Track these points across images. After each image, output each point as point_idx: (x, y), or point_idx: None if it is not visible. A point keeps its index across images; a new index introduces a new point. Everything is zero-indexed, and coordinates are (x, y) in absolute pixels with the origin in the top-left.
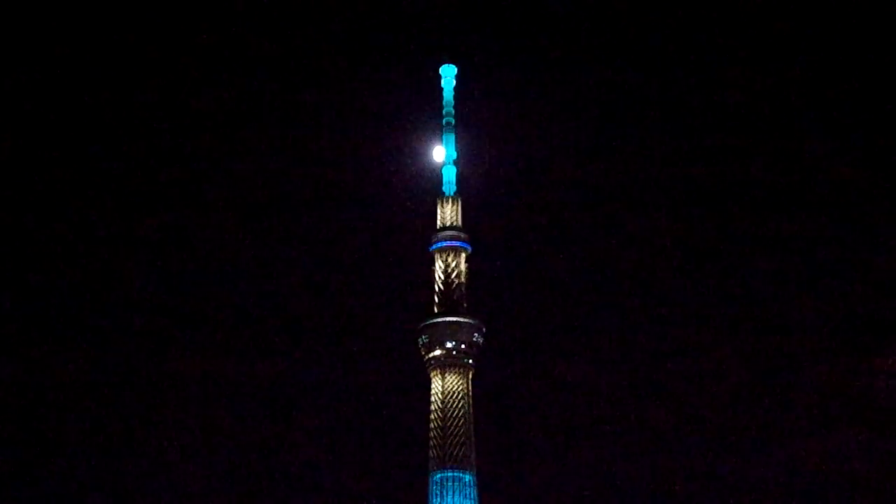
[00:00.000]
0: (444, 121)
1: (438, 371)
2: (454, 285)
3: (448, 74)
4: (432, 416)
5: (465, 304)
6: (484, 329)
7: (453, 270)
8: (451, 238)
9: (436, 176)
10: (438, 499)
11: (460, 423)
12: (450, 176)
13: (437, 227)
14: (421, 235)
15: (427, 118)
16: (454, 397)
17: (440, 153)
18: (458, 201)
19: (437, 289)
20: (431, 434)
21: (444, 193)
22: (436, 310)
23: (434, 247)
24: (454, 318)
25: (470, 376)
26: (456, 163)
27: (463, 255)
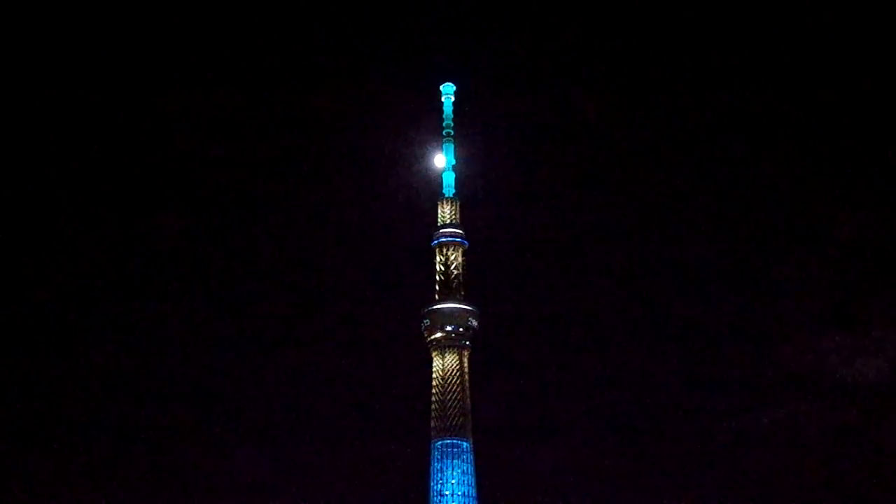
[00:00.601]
0: (444, 132)
1: (439, 351)
2: (453, 276)
3: (448, 92)
4: (433, 391)
5: (462, 293)
6: (479, 314)
7: (452, 263)
8: (450, 234)
9: (436, 180)
10: (439, 463)
11: (458, 398)
12: (449, 180)
13: (438, 224)
14: (423, 232)
15: (429, 130)
16: (453, 374)
17: (441, 160)
18: (456, 202)
19: (437, 279)
20: (433, 407)
21: (443, 195)
22: (436, 297)
23: (435, 242)
24: (453, 305)
25: (466, 356)
26: (454, 168)
27: (460, 249)
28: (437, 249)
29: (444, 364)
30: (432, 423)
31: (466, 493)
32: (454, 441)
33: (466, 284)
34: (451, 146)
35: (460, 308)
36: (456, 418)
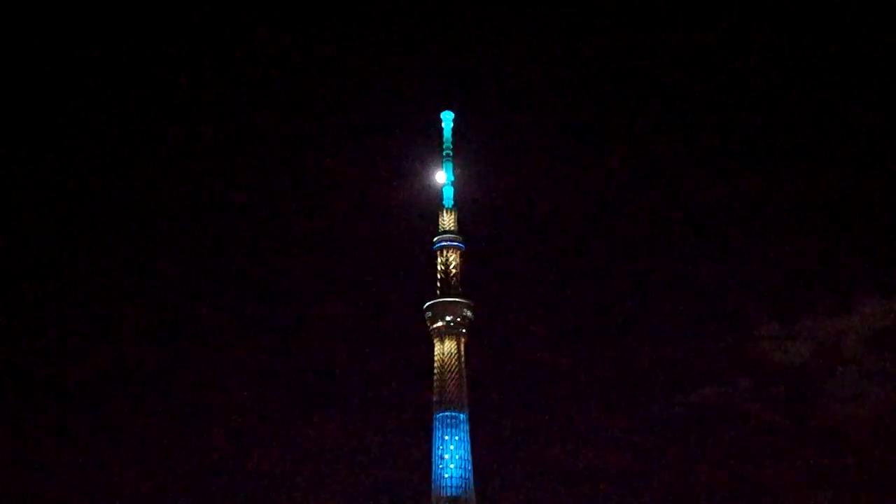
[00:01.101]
0: (444, 153)
1: (439, 338)
2: (451, 275)
3: (447, 118)
4: (435, 372)
5: (459, 289)
6: (473, 307)
7: (451, 263)
8: (449, 240)
9: (437, 193)
10: (440, 432)
11: (455, 377)
12: (448, 193)
13: (439, 231)
14: (426, 237)
15: (431, 150)
16: (451, 358)
17: (441, 176)
18: (454, 212)
19: (438, 277)
20: (434, 384)
21: (444, 206)
22: (438, 293)
23: (436, 246)
24: (451, 299)
25: (463, 342)
26: (453, 184)
27: (458, 252)
28: (438, 252)
29: (443, 349)
30: (434, 399)
31: (462, 457)
32: (452, 413)
33: (463, 282)
34: (450, 164)
35: (458, 302)
36: (454, 394)
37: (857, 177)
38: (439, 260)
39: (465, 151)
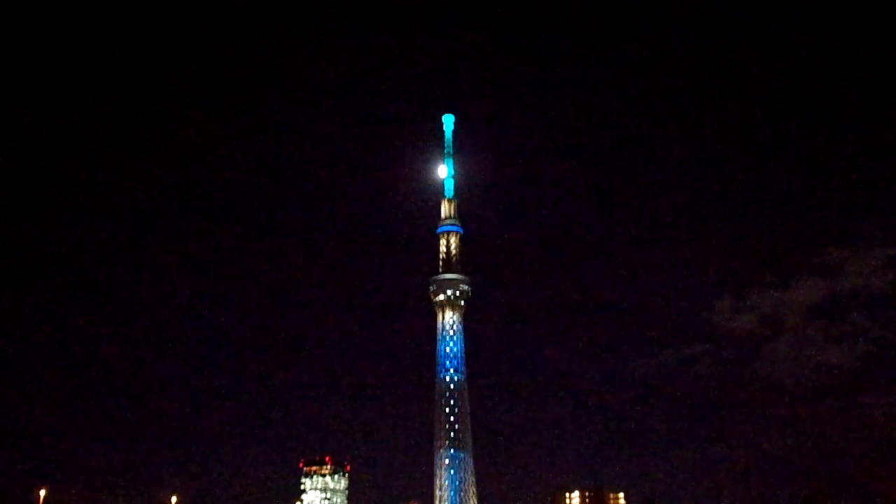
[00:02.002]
0: (445, 150)
1: (441, 309)
2: (452, 255)
3: (448, 121)
4: (438, 337)
5: (459, 266)
6: (471, 282)
7: (451, 245)
8: (450, 225)
9: (440, 185)
10: (442, 387)
11: (456, 340)
12: (449, 185)
13: (441, 217)
14: (430, 223)
15: (434, 147)
16: (452, 325)
17: (443, 170)
18: (454, 201)
19: (441, 257)
20: (438, 347)
21: (445, 196)
22: (440, 270)
23: (439, 230)
24: (452, 275)
25: (462, 312)
26: (453, 177)
27: (458, 235)
28: (440, 236)
29: (445, 318)
30: (437, 360)
31: (463, 420)
32: (453, 375)
33: (462, 261)
34: (451, 160)
35: (457, 278)
36: (454, 356)
37: (799, 174)
38: (442, 242)
39: (465, 149)
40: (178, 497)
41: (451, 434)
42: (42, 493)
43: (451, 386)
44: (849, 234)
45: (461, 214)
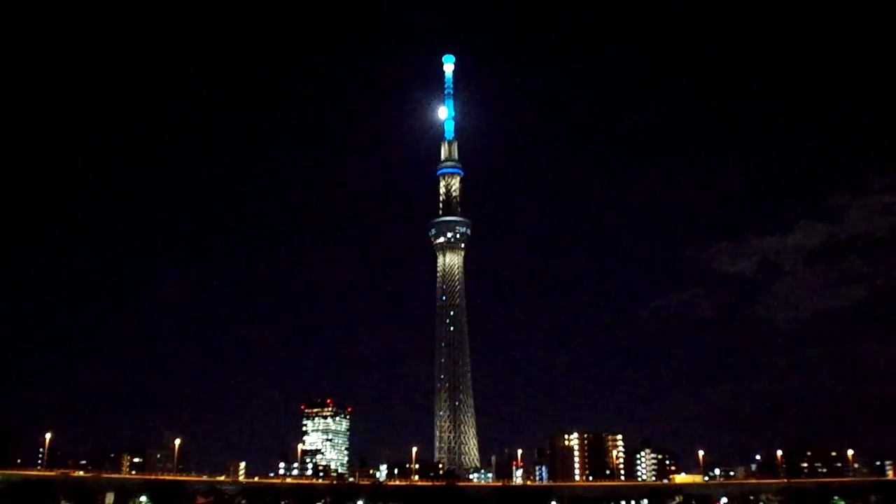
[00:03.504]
0: (445, 91)
1: (442, 251)
2: (452, 197)
3: (448, 61)
4: (438, 279)
5: (459, 209)
6: (471, 225)
7: (452, 187)
8: (450, 167)
9: (440, 126)
10: (442, 329)
11: (457, 283)
12: (449, 127)
13: (441, 159)
14: (431, 165)
15: (435, 88)
16: (452, 268)
17: (443, 112)
18: (454, 143)
19: (441, 199)
20: (438, 288)
21: (446, 138)
22: (440, 212)
23: (439, 172)
24: (452, 218)
25: (462, 255)
26: (454, 118)
27: (458, 177)
28: (440, 178)
29: (445, 261)
30: (437, 302)
31: (462, 351)
32: (452, 311)
33: (462, 203)
34: (451, 101)
35: (457, 220)
36: (456, 296)
37: (801, 120)
38: (442, 184)
39: (466, 94)
40: (181, 439)
41: (451, 377)
42: (48, 436)
43: (451, 329)
44: (849, 180)
45: (462, 158)
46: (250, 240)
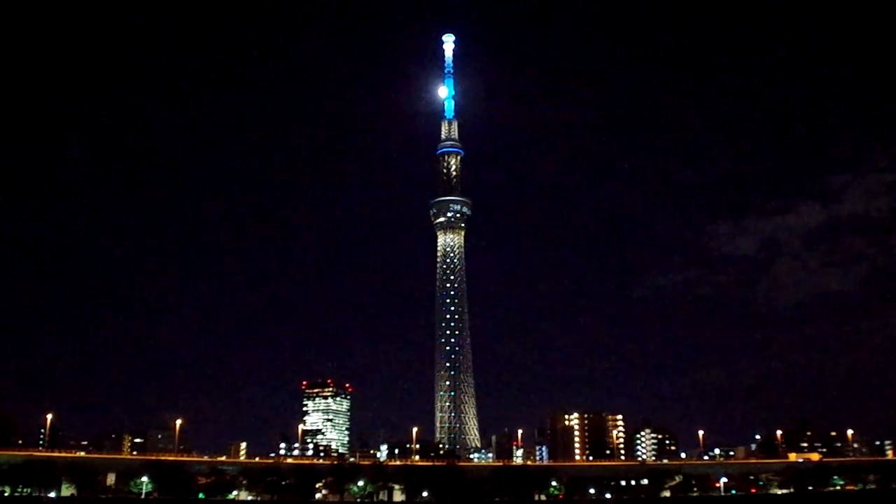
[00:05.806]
0: (445, 70)
1: (442, 231)
2: (452, 176)
3: (448, 40)
4: (438, 257)
5: (459, 188)
6: (471, 204)
7: (452, 166)
8: (451, 146)
9: (440, 105)
10: (442, 306)
11: (456, 261)
12: (449, 105)
13: (442, 138)
14: (431, 144)
15: (435, 67)
16: (452, 247)
17: (444, 91)
18: (455, 122)
19: (441, 178)
20: (438, 268)
21: (446, 117)
22: (440, 192)
23: (440, 151)
24: (452, 197)
25: (462, 234)
26: (453, 97)
27: (458, 157)
28: (441, 157)
29: (445, 240)
30: (437, 278)
31: (462, 333)
32: (453, 292)
33: (462, 182)
34: (451, 80)
35: (458, 199)
36: (455, 273)
37: (801, 99)
38: (442, 163)
39: (466, 69)
40: (182, 420)
41: (452, 356)
42: (49, 417)
43: (452, 308)
44: (849, 160)
45: (462, 138)
46: (250, 220)
